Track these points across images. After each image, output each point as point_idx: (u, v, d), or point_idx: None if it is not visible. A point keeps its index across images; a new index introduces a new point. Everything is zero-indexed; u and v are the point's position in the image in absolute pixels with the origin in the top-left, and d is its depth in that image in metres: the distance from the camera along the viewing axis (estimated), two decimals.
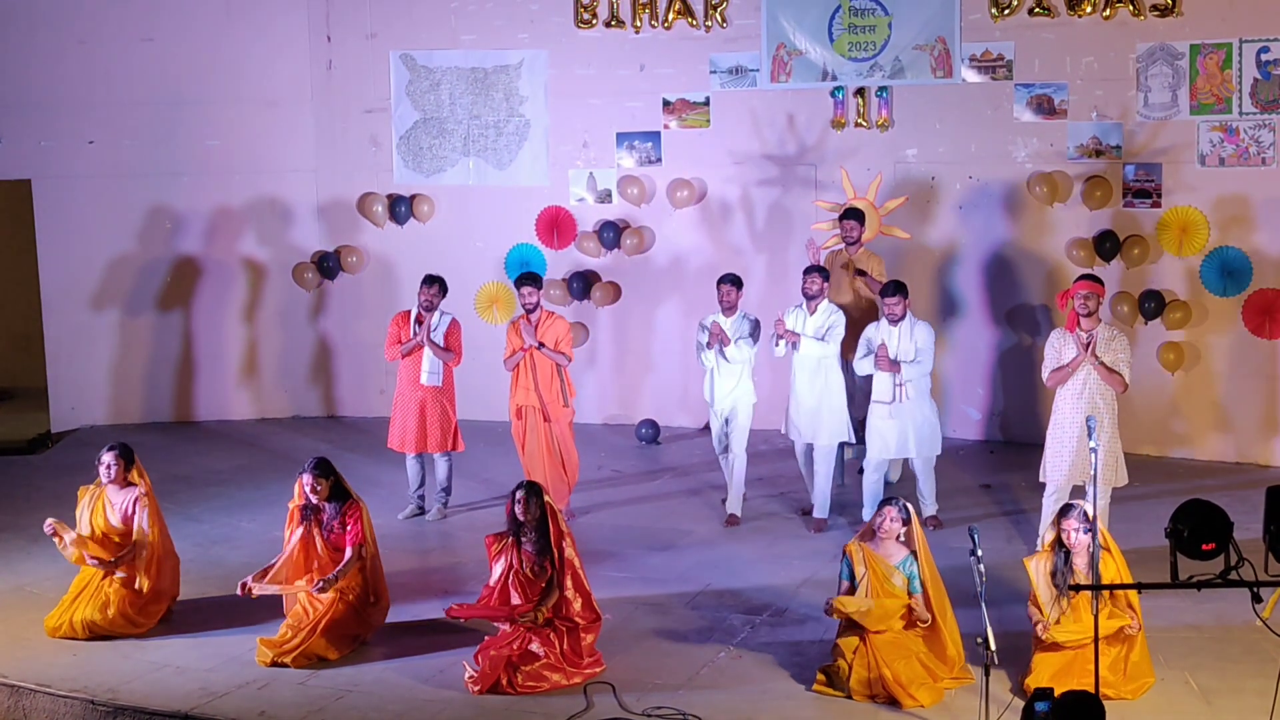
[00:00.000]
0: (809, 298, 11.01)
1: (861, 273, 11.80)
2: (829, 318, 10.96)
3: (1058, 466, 9.94)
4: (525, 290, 11.18)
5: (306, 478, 8.96)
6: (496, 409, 13.70)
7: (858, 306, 11.77)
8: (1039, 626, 7.96)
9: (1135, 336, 12.50)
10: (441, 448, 11.37)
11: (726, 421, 11.22)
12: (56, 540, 9.16)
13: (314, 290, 14.59)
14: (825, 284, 11.06)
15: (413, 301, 11.64)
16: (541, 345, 11.04)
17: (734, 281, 11.20)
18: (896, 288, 10.74)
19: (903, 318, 10.67)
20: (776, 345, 11.00)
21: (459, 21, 14.19)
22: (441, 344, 11.26)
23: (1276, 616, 7.77)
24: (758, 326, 11.16)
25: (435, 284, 11.37)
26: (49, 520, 9.11)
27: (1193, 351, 12.47)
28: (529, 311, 11.14)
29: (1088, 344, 9.76)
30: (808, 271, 11.10)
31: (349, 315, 14.70)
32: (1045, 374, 10.03)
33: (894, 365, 10.57)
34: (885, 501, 8.46)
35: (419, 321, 11.32)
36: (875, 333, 10.76)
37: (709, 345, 11.06)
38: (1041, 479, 10.14)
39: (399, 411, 11.42)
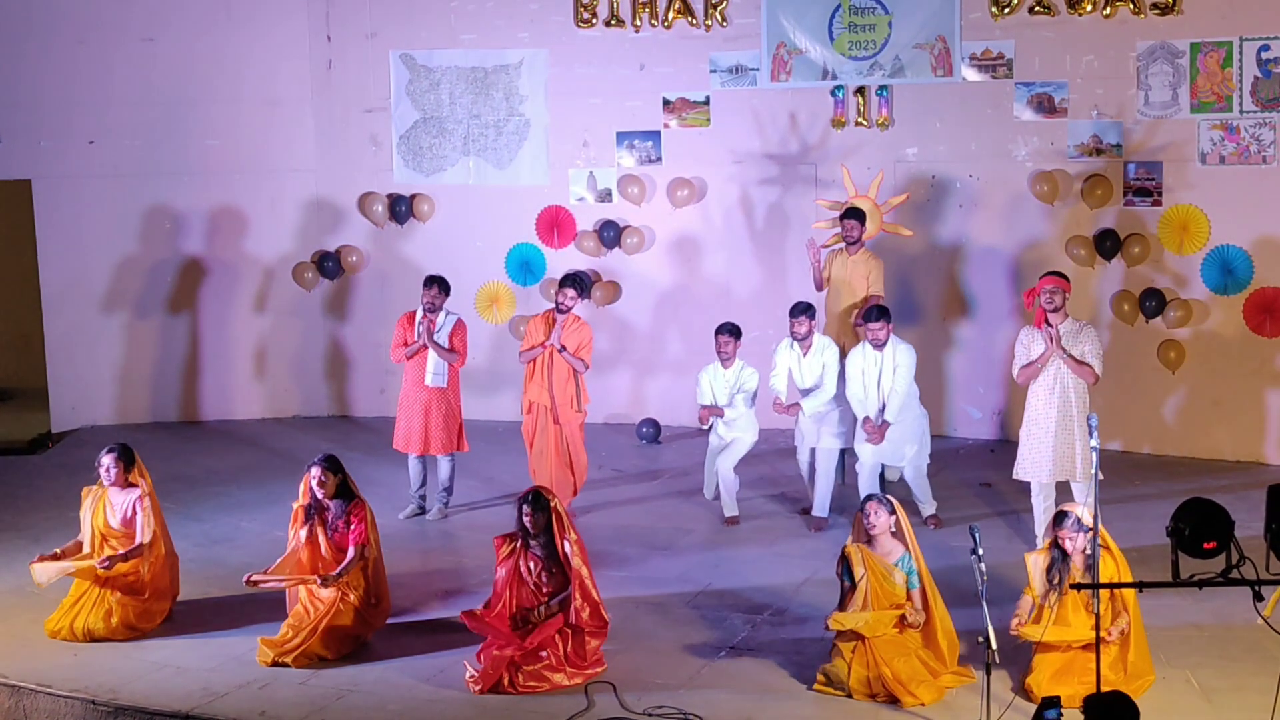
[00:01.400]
0: (798, 339, 10.90)
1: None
2: (822, 356, 10.86)
3: (1038, 463, 9.93)
4: (569, 293, 11.02)
5: (315, 471, 8.94)
6: (498, 408, 13.73)
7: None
8: (1014, 620, 7.98)
9: (1136, 335, 12.51)
10: (445, 449, 11.33)
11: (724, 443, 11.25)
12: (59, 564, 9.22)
13: (314, 290, 14.59)
14: (813, 322, 10.93)
15: (415, 302, 11.61)
16: (563, 349, 11.00)
17: (731, 332, 11.05)
18: (880, 313, 10.60)
19: (885, 343, 10.60)
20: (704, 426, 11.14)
21: (459, 21, 14.18)
22: (446, 345, 11.22)
23: (1277, 615, 7.77)
24: (755, 397, 11.09)
25: (435, 284, 11.31)
26: (37, 571, 9.18)
27: (1193, 350, 12.46)
28: (561, 312, 11.06)
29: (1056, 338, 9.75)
30: (794, 313, 10.88)
31: (349, 315, 14.69)
32: (1015, 370, 10.03)
33: (883, 427, 10.53)
34: (866, 498, 8.47)
35: (424, 323, 11.31)
36: (857, 361, 10.64)
37: (703, 425, 11.14)
38: (1016, 476, 10.16)
39: (403, 412, 11.38)
